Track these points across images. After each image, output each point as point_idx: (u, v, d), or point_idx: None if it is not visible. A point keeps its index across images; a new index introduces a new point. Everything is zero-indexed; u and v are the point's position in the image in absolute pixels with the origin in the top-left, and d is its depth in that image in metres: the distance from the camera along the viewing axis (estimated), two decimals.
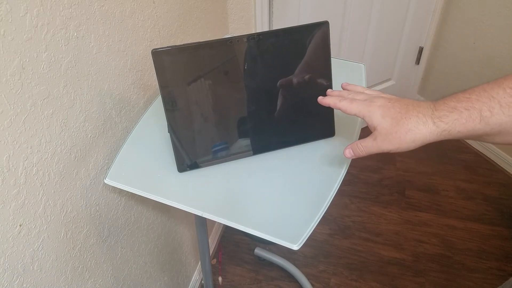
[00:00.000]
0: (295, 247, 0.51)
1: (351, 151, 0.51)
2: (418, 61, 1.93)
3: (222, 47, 0.56)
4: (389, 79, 1.94)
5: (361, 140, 0.50)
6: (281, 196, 0.58)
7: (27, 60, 0.48)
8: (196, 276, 1.33)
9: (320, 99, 0.54)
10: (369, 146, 0.48)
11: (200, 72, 0.56)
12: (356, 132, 0.67)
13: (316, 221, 0.53)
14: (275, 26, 1.35)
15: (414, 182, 1.74)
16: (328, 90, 0.57)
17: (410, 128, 0.44)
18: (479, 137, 0.43)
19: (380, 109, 0.47)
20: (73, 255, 0.66)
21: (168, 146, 0.65)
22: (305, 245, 0.52)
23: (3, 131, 0.47)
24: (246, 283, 1.39)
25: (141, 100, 0.78)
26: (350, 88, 0.56)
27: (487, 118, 0.40)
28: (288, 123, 0.63)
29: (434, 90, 2.01)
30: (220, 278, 1.41)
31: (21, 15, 0.46)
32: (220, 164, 0.63)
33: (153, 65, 0.54)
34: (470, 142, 1.89)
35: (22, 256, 0.54)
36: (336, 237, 1.53)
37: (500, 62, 1.64)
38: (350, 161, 0.61)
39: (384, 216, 1.60)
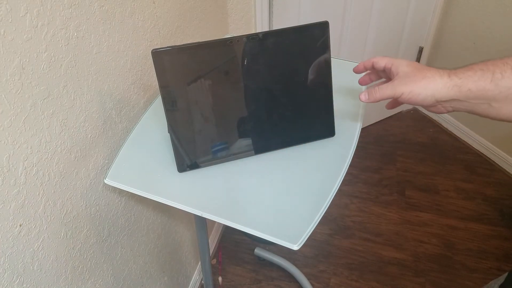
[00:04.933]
0: (295, 247, 0.51)
1: (367, 94, 0.54)
2: (418, 61, 1.93)
3: (222, 47, 0.56)
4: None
5: (379, 85, 0.54)
6: (281, 196, 0.58)
7: (27, 60, 0.48)
8: (196, 276, 1.33)
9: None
10: (384, 88, 0.52)
11: (200, 72, 0.56)
12: (357, 132, 0.67)
13: (316, 221, 0.53)
14: (275, 26, 1.35)
15: (414, 182, 1.74)
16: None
17: (427, 75, 0.48)
18: (488, 101, 0.45)
19: (406, 61, 0.52)
20: (73, 255, 0.66)
21: (168, 146, 0.65)
22: (305, 245, 0.52)
23: (3, 131, 0.47)
24: (246, 283, 1.39)
25: (141, 100, 0.79)
26: None
27: (498, 80, 0.44)
28: (288, 123, 0.63)
29: None
30: (220, 278, 1.41)
31: (21, 15, 0.46)
32: (220, 164, 0.63)
33: (153, 65, 0.54)
34: (470, 142, 1.89)
35: (22, 256, 0.54)
36: (336, 237, 1.53)
37: None
38: (350, 161, 0.61)
39: (384, 216, 1.60)
